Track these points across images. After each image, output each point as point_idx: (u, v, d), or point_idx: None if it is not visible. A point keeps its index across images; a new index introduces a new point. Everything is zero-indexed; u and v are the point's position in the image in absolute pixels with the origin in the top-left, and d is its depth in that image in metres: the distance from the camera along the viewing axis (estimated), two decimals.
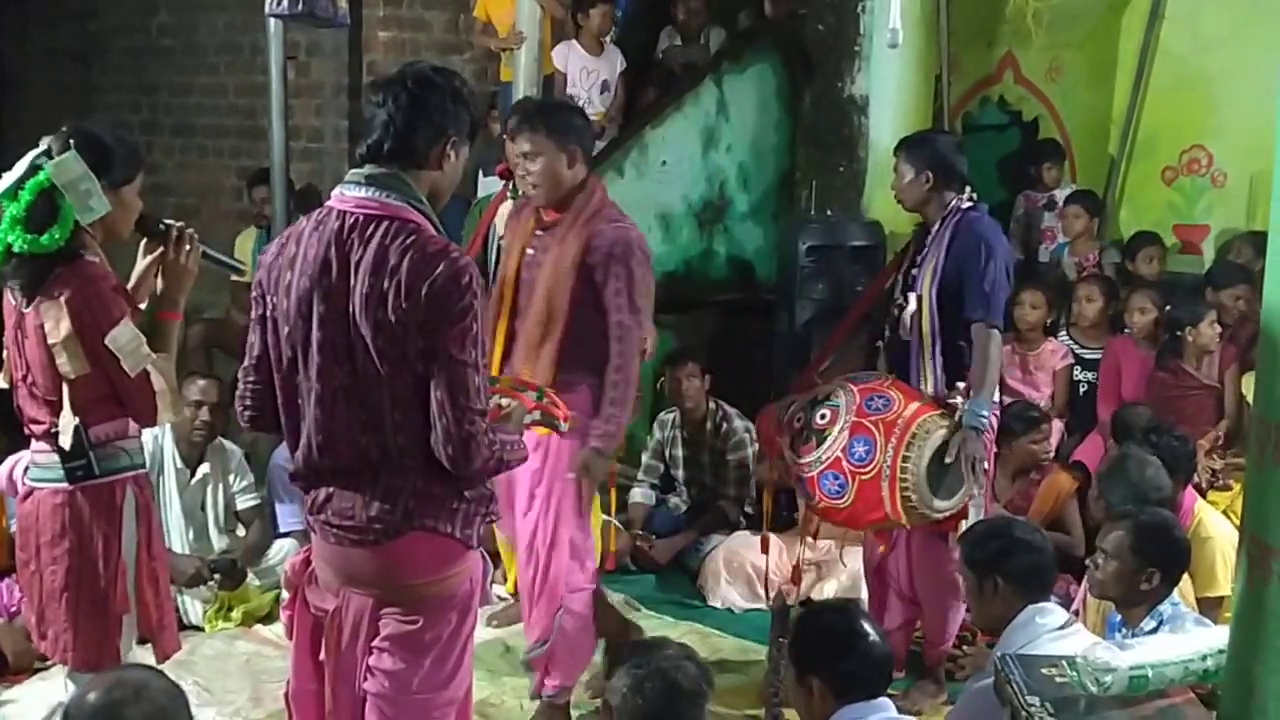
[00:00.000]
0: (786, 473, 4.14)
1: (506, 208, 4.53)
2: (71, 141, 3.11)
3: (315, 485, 2.76)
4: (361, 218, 2.63)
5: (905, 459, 3.83)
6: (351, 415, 2.65)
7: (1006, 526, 3.50)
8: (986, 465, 4.10)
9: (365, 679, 2.78)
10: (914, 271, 4.22)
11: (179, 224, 3.30)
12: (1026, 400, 5.68)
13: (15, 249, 3.08)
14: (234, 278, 3.90)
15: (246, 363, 2.83)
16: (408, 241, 2.59)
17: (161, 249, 3.29)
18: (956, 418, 3.94)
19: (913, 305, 4.17)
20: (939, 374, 4.12)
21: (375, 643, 2.76)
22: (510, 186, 4.60)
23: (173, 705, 2.41)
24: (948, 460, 3.92)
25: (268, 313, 2.74)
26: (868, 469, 3.86)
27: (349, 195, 2.67)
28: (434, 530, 2.69)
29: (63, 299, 3.09)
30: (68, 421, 3.15)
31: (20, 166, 3.11)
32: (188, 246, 3.27)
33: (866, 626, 2.91)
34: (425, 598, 2.73)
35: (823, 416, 3.98)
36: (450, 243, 2.66)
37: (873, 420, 3.89)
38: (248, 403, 2.84)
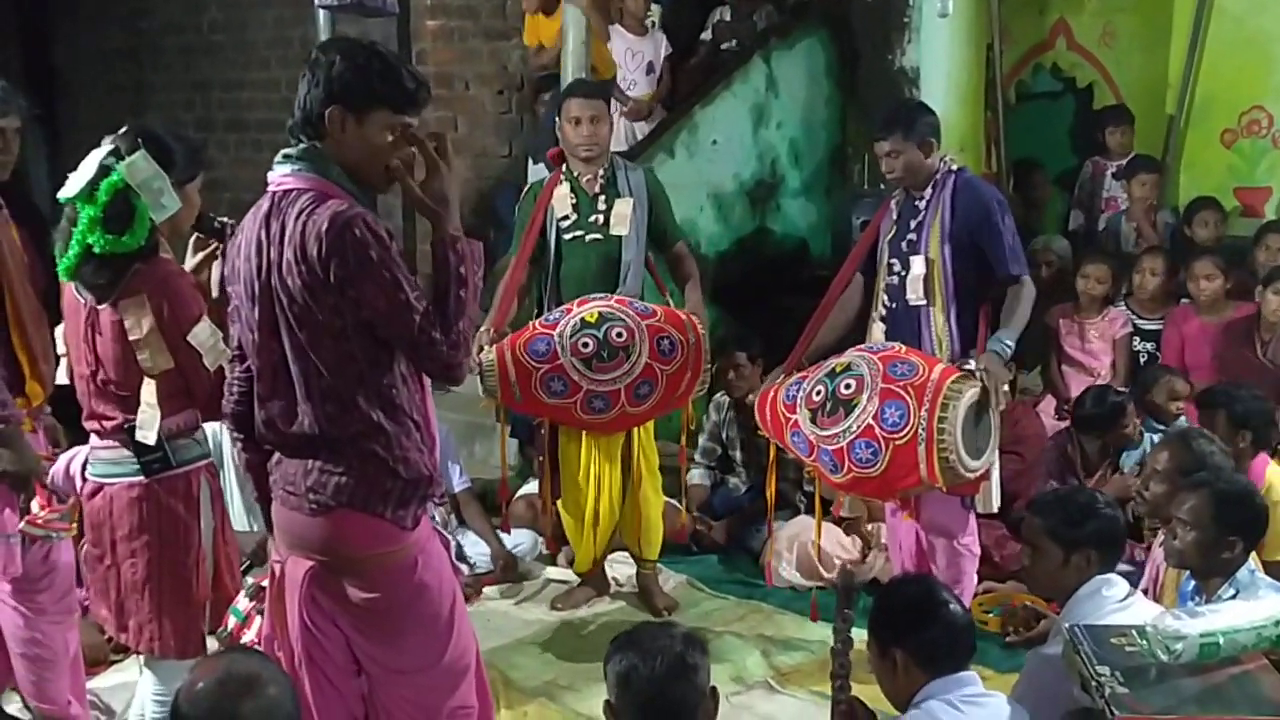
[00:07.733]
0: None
1: (562, 190, 4.69)
2: (139, 140, 3.14)
3: (271, 452, 2.82)
4: (280, 194, 2.67)
5: (942, 419, 3.77)
6: (287, 387, 2.70)
7: (1091, 499, 3.39)
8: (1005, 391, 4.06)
9: (357, 672, 2.82)
10: (909, 237, 4.23)
11: (231, 221, 3.34)
12: (1098, 387, 5.49)
13: (96, 250, 3.12)
14: None
15: (230, 356, 2.90)
16: (306, 208, 2.60)
17: (215, 245, 3.35)
18: (979, 379, 3.91)
19: (918, 268, 4.18)
20: (955, 335, 4.14)
21: (347, 629, 2.78)
22: (565, 169, 4.74)
23: (282, 694, 2.38)
24: (986, 412, 3.91)
25: (235, 302, 2.79)
26: (902, 434, 3.80)
27: (274, 174, 2.71)
28: (364, 510, 2.70)
29: (144, 296, 3.14)
30: (151, 416, 3.19)
31: (88, 167, 3.13)
32: None
33: (946, 596, 2.89)
34: (369, 570, 2.75)
35: (847, 386, 3.92)
36: (347, 202, 2.62)
37: (901, 385, 3.84)
38: (232, 391, 2.87)
